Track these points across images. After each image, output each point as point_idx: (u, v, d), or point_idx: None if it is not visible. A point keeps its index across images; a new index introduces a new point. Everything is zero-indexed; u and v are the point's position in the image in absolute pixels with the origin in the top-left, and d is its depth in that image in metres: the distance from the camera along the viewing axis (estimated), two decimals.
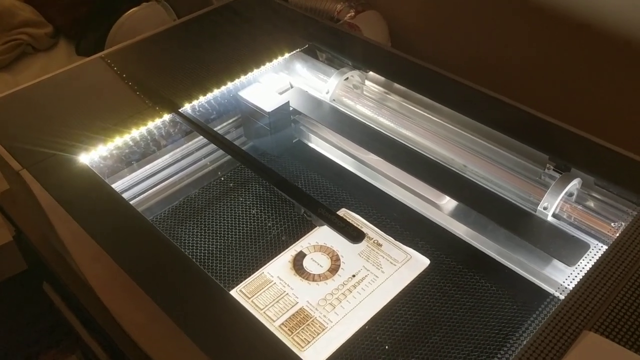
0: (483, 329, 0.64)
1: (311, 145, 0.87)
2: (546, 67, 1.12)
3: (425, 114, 0.79)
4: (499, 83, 1.16)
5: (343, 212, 0.78)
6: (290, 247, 0.74)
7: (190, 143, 0.82)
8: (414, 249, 0.74)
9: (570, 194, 0.67)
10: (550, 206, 0.65)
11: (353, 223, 0.66)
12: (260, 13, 0.95)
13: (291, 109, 0.83)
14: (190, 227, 0.77)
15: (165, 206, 0.80)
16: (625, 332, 0.50)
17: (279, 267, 0.72)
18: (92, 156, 0.70)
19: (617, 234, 0.62)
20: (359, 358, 0.62)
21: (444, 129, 0.77)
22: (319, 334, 0.65)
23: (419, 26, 1.22)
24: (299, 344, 0.64)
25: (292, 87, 0.87)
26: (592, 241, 0.64)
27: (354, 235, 0.58)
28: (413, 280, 0.70)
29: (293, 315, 0.67)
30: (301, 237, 0.75)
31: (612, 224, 0.64)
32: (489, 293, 0.68)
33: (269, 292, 0.70)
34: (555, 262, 0.64)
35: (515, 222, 0.66)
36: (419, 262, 0.72)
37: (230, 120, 0.86)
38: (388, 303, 0.68)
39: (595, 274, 0.54)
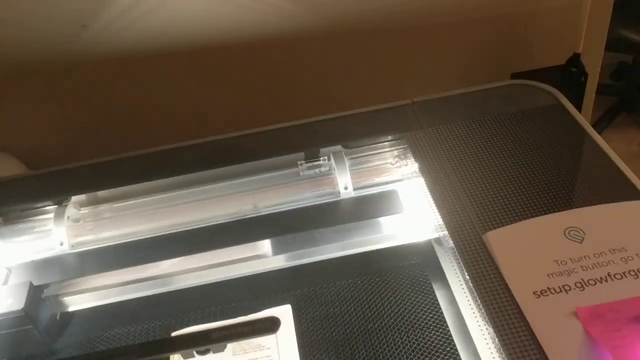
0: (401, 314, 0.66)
1: (81, 307, 0.71)
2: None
3: (170, 196, 0.73)
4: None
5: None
6: None
7: None
8: (270, 307, 0.69)
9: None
10: (348, 183, 0.69)
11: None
12: None
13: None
14: None
15: None
16: None
17: None
18: None
19: (405, 165, 0.71)
20: None
21: (206, 193, 0.72)
22: None
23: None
24: None
25: (9, 270, 0.69)
26: (395, 185, 0.71)
27: (268, 326, 0.51)
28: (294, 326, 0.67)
29: None
30: None
31: (390, 163, 0.72)
32: (373, 283, 0.70)
33: None
34: (387, 218, 0.69)
35: (339, 214, 0.68)
36: (284, 312, 0.69)
37: None
38: None
39: None
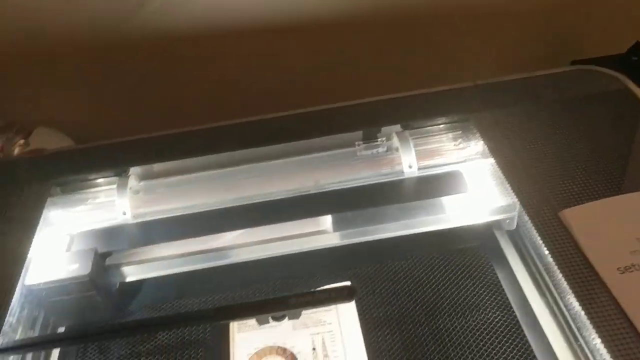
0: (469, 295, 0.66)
1: (141, 277, 0.70)
2: None
3: (230, 170, 0.73)
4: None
5: None
6: None
7: None
8: (328, 284, 0.69)
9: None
10: (413, 162, 0.69)
11: None
12: None
13: None
14: None
15: None
16: None
17: None
18: None
19: (468, 147, 0.70)
20: None
21: (267, 169, 0.72)
22: None
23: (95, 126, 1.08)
24: None
25: (71, 238, 0.69)
26: (458, 167, 0.70)
27: (345, 294, 0.50)
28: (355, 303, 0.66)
29: None
30: None
31: (454, 144, 0.72)
32: (433, 263, 0.69)
33: None
34: (451, 199, 0.69)
35: (402, 192, 0.68)
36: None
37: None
38: (365, 340, 0.63)
39: None
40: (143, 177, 0.74)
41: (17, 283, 0.58)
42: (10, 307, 0.55)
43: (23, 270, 0.60)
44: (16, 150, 0.97)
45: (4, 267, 0.59)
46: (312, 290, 0.51)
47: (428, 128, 0.73)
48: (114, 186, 0.71)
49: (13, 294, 0.56)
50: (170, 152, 0.75)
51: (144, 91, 1.01)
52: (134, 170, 0.74)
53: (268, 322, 0.50)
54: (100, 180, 0.73)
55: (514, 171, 0.62)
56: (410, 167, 0.69)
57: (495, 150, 0.65)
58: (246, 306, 0.52)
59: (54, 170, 0.74)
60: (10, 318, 0.55)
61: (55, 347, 0.61)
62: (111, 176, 0.73)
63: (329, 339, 0.64)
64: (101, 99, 1.01)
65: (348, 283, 0.69)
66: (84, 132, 1.00)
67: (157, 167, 0.75)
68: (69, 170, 0.74)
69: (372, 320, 0.65)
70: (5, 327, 0.53)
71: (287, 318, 0.51)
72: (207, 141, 0.76)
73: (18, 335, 0.59)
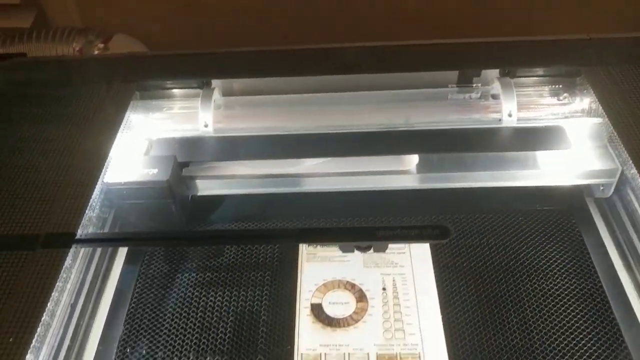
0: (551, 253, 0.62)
1: (214, 193, 0.69)
2: None
3: (323, 94, 0.70)
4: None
5: None
6: (295, 310, 0.60)
7: None
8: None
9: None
10: (513, 110, 0.64)
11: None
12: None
13: None
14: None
15: None
16: None
17: (308, 337, 0.57)
18: None
19: (573, 103, 0.65)
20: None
21: (358, 99, 0.69)
22: None
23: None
24: None
25: (150, 143, 0.67)
26: (561, 123, 0.66)
27: (438, 233, 0.48)
28: (430, 249, 0.64)
29: None
30: (288, 295, 0.61)
31: (559, 97, 0.67)
32: (518, 220, 0.66)
33: None
34: (548, 156, 0.64)
35: (497, 141, 0.64)
36: None
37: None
38: (438, 288, 0.60)
39: None
40: (226, 93, 0.72)
41: (97, 180, 0.57)
42: (89, 202, 0.54)
43: (104, 169, 0.59)
44: (95, 54, 0.96)
45: (86, 164, 0.58)
46: (404, 225, 0.48)
47: (532, 78, 0.68)
48: (197, 97, 0.69)
49: (93, 189, 0.55)
50: (257, 69, 0.72)
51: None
52: (217, 84, 0.71)
53: (352, 251, 0.48)
54: (182, 90, 0.71)
55: (628, 134, 0.57)
56: (510, 115, 0.64)
57: (608, 109, 0.60)
58: (334, 231, 0.49)
59: (137, 74, 0.72)
60: (90, 212, 0.54)
61: (134, 245, 0.61)
62: (194, 87, 0.71)
63: (400, 281, 0.61)
64: (175, 7, 0.98)
65: None
66: (162, 43, 0.98)
67: (242, 83, 0.72)
68: (152, 75, 0.72)
69: (447, 270, 0.62)
70: (84, 220, 0.53)
71: (372, 250, 0.49)
72: (297, 63, 0.73)
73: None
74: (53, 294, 0.46)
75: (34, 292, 0.46)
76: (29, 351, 0.43)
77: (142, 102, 0.70)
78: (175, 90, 0.72)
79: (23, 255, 0.49)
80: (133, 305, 0.60)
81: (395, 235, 0.47)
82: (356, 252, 0.56)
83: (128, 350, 0.56)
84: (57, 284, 0.47)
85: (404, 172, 0.66)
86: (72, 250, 0.49)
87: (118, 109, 0.65)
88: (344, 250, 0.49)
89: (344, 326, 0.58)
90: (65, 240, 0.49)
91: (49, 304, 0.46)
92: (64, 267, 0.48)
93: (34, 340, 0.44)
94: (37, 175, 0.57)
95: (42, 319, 0.45)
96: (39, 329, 0.45)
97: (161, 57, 0.78)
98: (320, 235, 0.48)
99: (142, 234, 0.59)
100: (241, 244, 0.58)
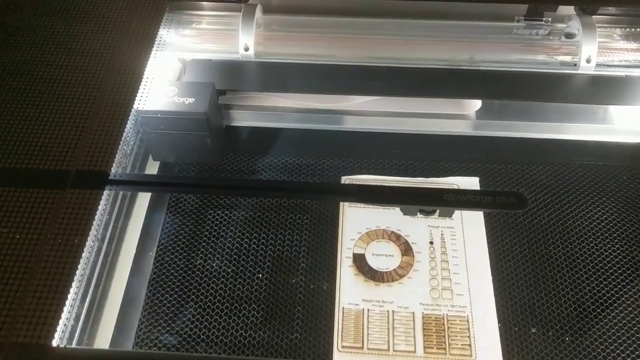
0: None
1: (252, 124, 0.63)
2: None
3: (377, 21, 0.62)
4: None
5: (349, 180, 0.61)
6: (337, 259, 0.56)
7: None
8: (453, 175, 0.62)
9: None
10: (593, 56, 0.57)
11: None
12: None
13: None
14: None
15: None
16: None
17: (350, 290, 0.54)
18: None
19: None
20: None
21: (415, 28, 0.61)
22: (469, 328, 0.52)
23: None
24: (464, 356, 0.50)
25: (184, 65, 0.61)
26: None
27: (514, 201, 0.43)
28: None
29: (424, 330, 0.51)
30: (329, 242, 0.57)
31: None
32: (578, 175, 0.61)
33: (375, 325, 0.52)
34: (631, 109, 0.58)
35: (568, 89, 0.58)
36: (470, 184, 0.61)
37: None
38: (489, 245, 0.57)
39: None
40: (267, 9, 0.64)
41: (131, 108, 0.51)
42: (123, 135, 0.49)
43: (138, 96, 0.53)
44: None
45: (118, 89, 0.52)
46: (476, 190, 0.44)
47: (615, 17, 0.61)
48: (235, 12, 0.61)
49: (127, 119, 0.50)
50: None
51: None
52: (255, 0, 0.64)
53: (415, 214, 0.44)
54: (220, 4, 0.63)
55: None
56: (588, 61, 0.57)
57: None
58: (398, 191, 0.45)
59: None
60: (124, 147, 0.49)
61: (171, 191, 0.56)
62: (232, 1, 0.63)
63: (449, 235, 0.57)
64: None
65: (476, 179, 0.61)
66: None
67: (285, 1, 0.64)
68: None
69: (499, 226, 0.58)
70: (119, 156, 0.48)
71: (437, 214, 0.44)
72: None
73: (129, 166, 0.54)
74: (87, 242, 0.42)
75: (66, 239, 0.42)
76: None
77: (174, 15, 0.63)
78: (211, 4, 0.64)
79: (52, 194, 0.44)
80: (161, 246, 0.56)
81: (465, 202, 0.42)
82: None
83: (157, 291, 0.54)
84: (91, 231, 0.43)
85: (464, 117, 0.60)
86: (105, 192, 0.45)
87: (150, 24, 0.58)
88: (406, 212, 0.44)
89: (388, 281, 0.54)
90: (98, 180, 0.44)
91: (84, 253, 0.42)
92: (98, 210, 0.44)
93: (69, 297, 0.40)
94: (65, 102, 0.51)
95: (77, 272, 0.41)
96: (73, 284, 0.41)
97: None
98: (383, 195, 0.43)
99: (179, 179, 0.54)
100: (284, 197, 0.53)
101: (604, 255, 0.56)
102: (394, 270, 0.55)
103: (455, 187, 0.61)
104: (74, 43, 0.56)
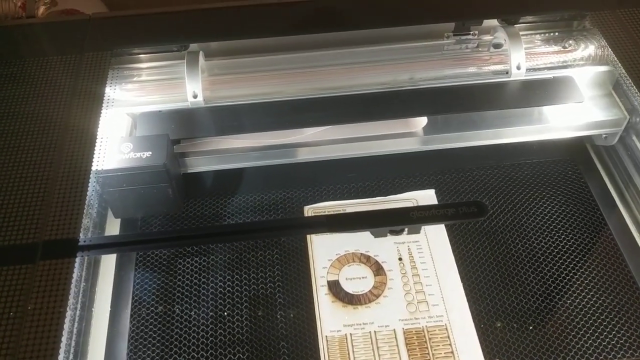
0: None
1: (210, 168, 0.64)
2: None
3: (316, 53, 0.64)
4: None
5: (311, 209, 0.63)
6: (312, 289, 0.57)
7: None
8: (410, 190, 0.64)
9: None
10: (522, 62, 0.61)
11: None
12: None
13: None
14: None
15: None
16: None
17: (330, 318, 0.55)
18: None
19: (578, 50, 0.63)
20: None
21: (354, 56, 0.64)
22: (448, 336, 0.54)
23: None
24: None
25: (133, 119, 0.61)
26: (568, 72, 0.63)
27: (475, 210, 0.45)
28: None
29: (407, 345, 0.53)
30: (302, 273, 0.58)
31: (564, 45, 0.64)
32: (524, 174, 0.65)
33: (359, 348, 0.53)
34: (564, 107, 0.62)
35: (505, 96, 0.61)
36: (427, 197, 0.64)
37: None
38: (454, 252, 0.59)
39: None
40: (209, 54, 0.65)
41: (90, 171, 0.51)
42: (87, 199, 0.48)
43: (95, 157, 0.53)
44: (41, 10, 0.85)
45: (74, 152, 0.51)
46: (438, 204, 0.46)
47: (534, 24, 0.65)
48: (177, 61, 0.62)
49: (88, 182, 0.49)
50: (237, 27, 0.65)
51: None
52: (201, 47, 0.64)
53: (385, 236, 0.46)
54: (160, 54, 0.64)
55: None
56: (518, 68, 0.61)
57: (620, 55, 0.58)
58: (365, 215, 0.46)
59: (108, 38, 0.64)
60: (89, 210, 0.49)
61: (143, 249, 0.56)
62: (173, 50, 0.64)
63: (415, 250, 0.60)
64: None
65: (432, 191, 0.64)
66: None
67: (224, 43, 0.66)
68: (126, 39, 0.65)
69: (461, 232, 0.61)
70: (85, 220, 0.47)
71: (405, 231, 0.46)
72: (283, 19, 0.67)
73: (90, 228, 0.54)
74: (68, 312, 0.42)
75: (44, 313, 0.42)
76: None
77: (118, 71, 0.63)
78: (156, 55, 0.65)
79: (23, 269, 0.44)
80: (135, 302, 0.56)
81: (430, 216, 0.45)
82: None
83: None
84: (70, 301, 0.42)
85: (412, 135, 0.62)
86: (77, 260, 0.44)
87: (96, 83, 0.58)
88: (377, 235, 0.46)
89: (365, 303, 0.56)
90: (68, 248, 0.44)
91: (65, 322, 0.42)
92: (73, 279, 0.43)
93: None
94: (23, 169, 0.50)
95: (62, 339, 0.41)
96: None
97: (132, 16, 0.70)
98: (351, 221, 0.45)
99: (149, 235, 0.54)
100: (258, 238, 0.54)
101: (560, 245, 0.60)
102: (369, 291, 0.57)
103: (414, 201, 0.64)
104: (23, 107, 0.56)
